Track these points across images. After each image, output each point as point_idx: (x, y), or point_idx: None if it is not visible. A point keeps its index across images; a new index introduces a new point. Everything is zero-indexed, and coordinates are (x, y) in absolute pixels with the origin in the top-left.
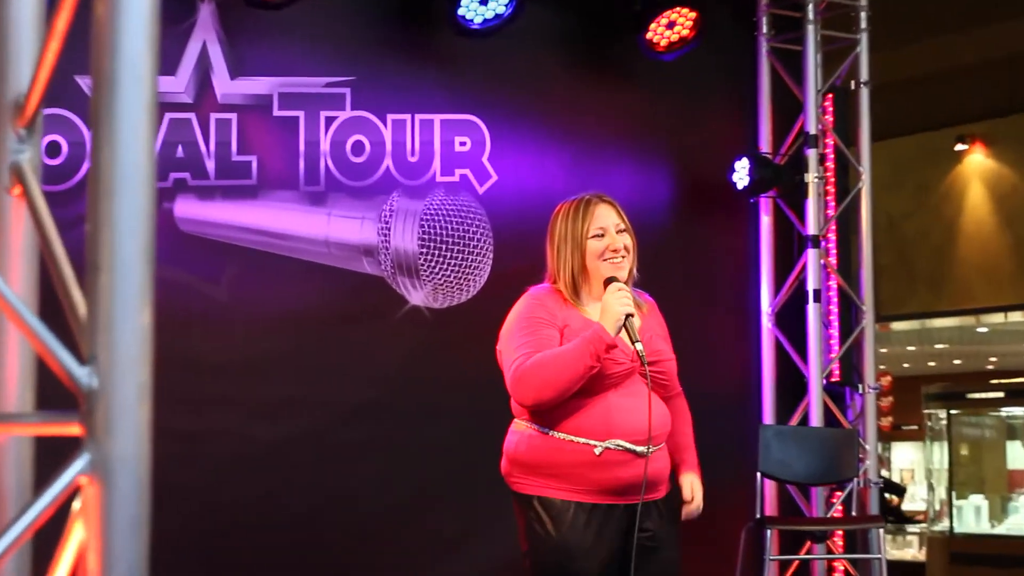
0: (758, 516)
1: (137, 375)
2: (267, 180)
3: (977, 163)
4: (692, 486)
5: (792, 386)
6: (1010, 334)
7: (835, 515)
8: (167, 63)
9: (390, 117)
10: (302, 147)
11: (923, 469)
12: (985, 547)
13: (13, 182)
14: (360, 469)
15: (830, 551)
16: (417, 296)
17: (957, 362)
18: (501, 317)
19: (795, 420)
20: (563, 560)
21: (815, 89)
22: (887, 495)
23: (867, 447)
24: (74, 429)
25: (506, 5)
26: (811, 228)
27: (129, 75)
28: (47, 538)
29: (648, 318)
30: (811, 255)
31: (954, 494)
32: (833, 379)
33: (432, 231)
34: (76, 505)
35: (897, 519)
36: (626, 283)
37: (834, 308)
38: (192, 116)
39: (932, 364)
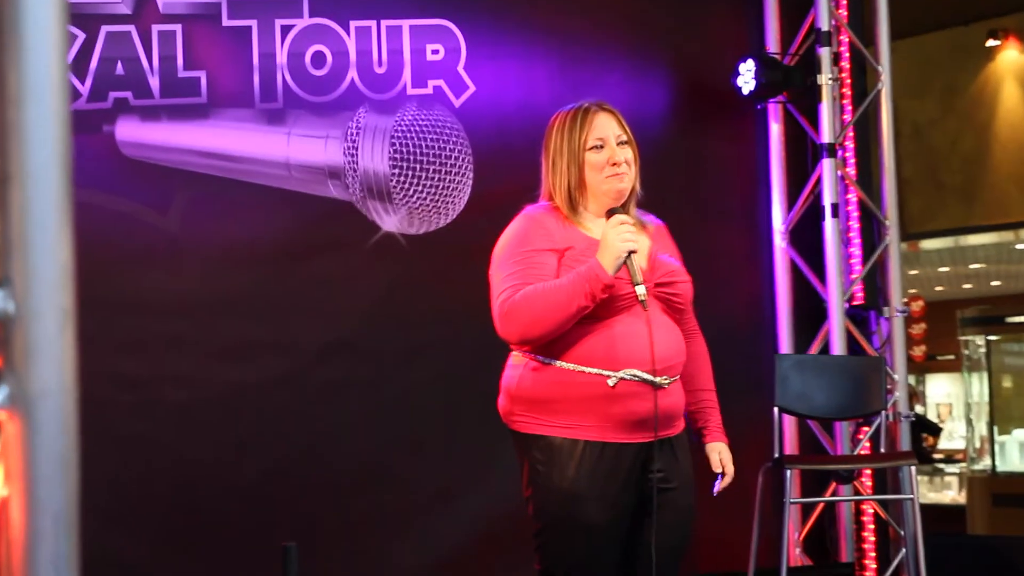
0: (776, 455)
1: (58, 298)
2: (218, 98)
3: (1011, 61)
4: (721, 456)
5: (810, 311)
6: None
7: (862, 452)
8: None
9: (353, 24)
10: (256, 60)
11: (961, 403)
12: None
13: None
14: (334, 415)
15: (857, 492)
16: (390, 222)
17: (995, 283)
18: (484, 242)
19: (815, 349)
20: (570, 506)
21: None
22: (921, 435)
23: (896, 376)
24: None
25: None
26: (826, 136)
27: None
28: None
29: (656, 239)
30: (827, 165)
31: (995, 430)
32: (855, 302)
33: (404, 149)
34: None
35: (932, 462)
36: (628, 200)
37: (854, 224)
38: (132, 28)
39: (968, 286)
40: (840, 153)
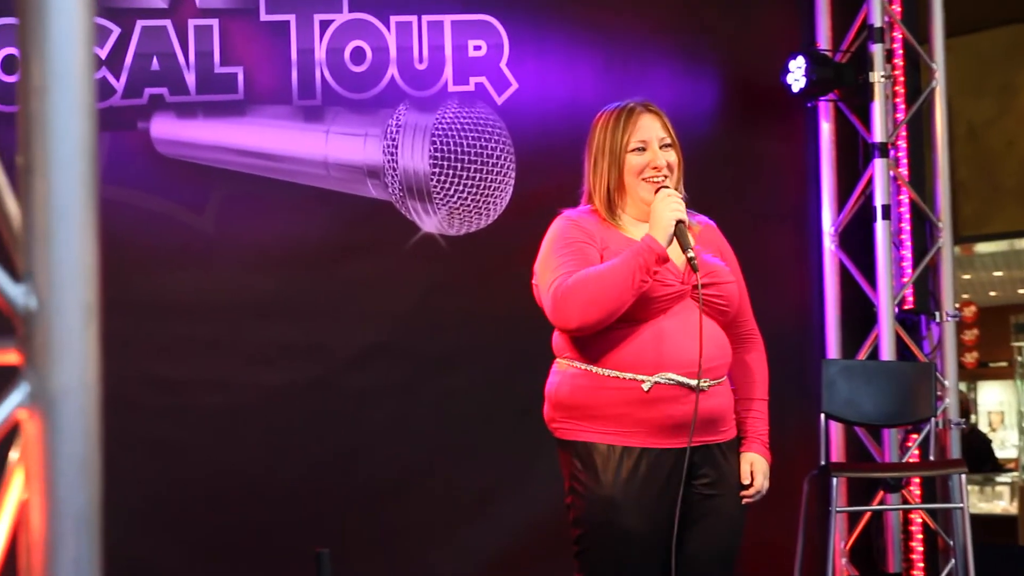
0: (823, 463)
1: (82, 293)
2: (255, 94)
3: None
4: (752, 467)
5: (859, 315)
6: None
7: (911, 460)
8: None
9: (394, 19)
10: (294, 56)
11: (1014, 412)
12: None
13: None
14: (370, 420)
15: (905, 501)
16: (430, 222)
17: None
18: (525, 244)
19: (863, 354)
20: (608, 513)
21: None
22: None
23: (946, 383)
24: (11, 357)
25: None
26: (878, 135)
27: None
28: None
29: (703, 239)
30: (878, 166)
31: None
32: (906, 307)
33: (445, 148)
34: (14, 454)
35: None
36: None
37: (906, 226)
38: (168, 23)
39: (1022, 291)
40: (892, 153)
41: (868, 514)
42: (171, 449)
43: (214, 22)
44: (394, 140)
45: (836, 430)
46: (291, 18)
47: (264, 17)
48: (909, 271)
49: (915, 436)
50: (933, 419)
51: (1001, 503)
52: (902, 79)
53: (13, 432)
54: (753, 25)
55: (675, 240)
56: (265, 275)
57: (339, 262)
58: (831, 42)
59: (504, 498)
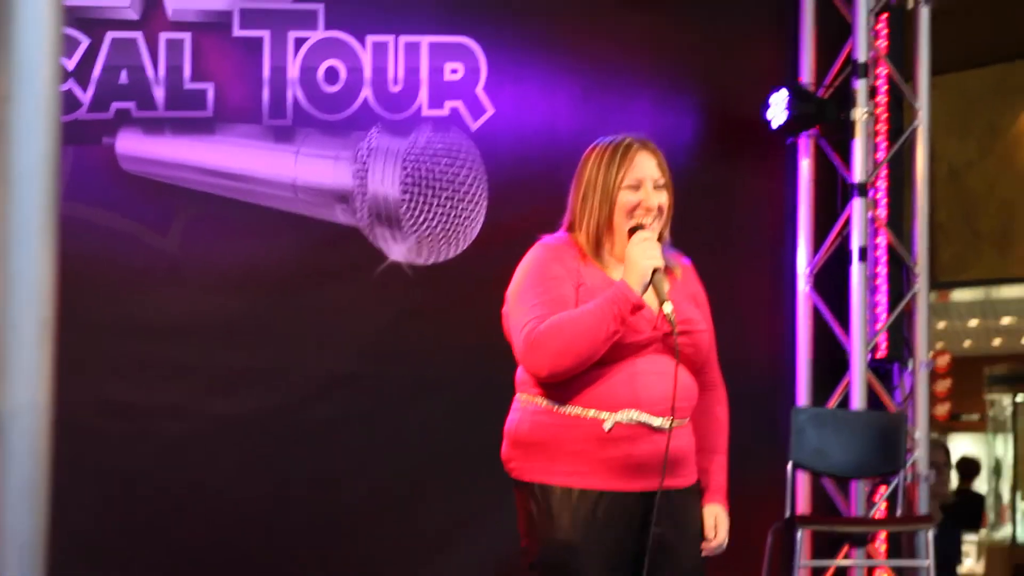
0: (788, 514)
1: (37, 310)
2: (225, 112)
3: None
4: (717, 520)
5: (831, 361)
6: None
7: (877, 515)
8: None
9: (370, 39)
10: (266, 73)
11: (984, 466)
12: None
13: None
14: (333, 451)
15: (871, 556)
16: (398, 250)
17: None
18: (495, 275)
19: (833, 402)
20: (564, 558)
21: (866, 9)
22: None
23: (917, 435)
24: None
25: None
26: (858, 174)
27: None
28: None
29: (681, 284)
30: (857, 206)
31: (1019, 495)
32: (879, 354)
33: (416, 174)
34: None
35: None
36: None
37: (882, 270)
38: (138, 36)
39: (997, 342)
40: (871, 193)
41: (832, 568)
42: (124, 477)
43: (186, 36)
44: (365, 164)
45: (803, 480)
46: (265, 34)
47: (237, 32)
48: (884, 316)
49: (883, 488)
50: (902, 472)
51: (968, 561)
52: (885, 117)
53: None
54: (736, 57)
55: (651, 286)
56: (229, 299)
57: (305, 288)
58: (814, 76)
59: (470, 533)
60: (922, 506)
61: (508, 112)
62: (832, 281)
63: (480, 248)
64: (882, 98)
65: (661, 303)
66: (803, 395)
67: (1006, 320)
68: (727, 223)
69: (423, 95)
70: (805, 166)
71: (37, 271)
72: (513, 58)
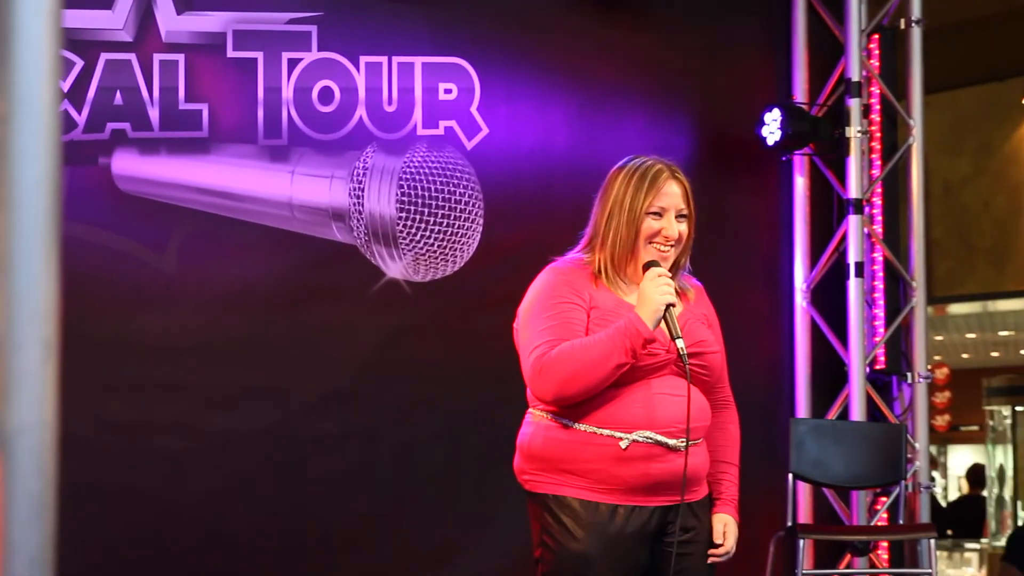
0: (789, 524)
1: (41, 329)
2: (220, 132)
3: None
4: (726, 527)
5: (830, 374)
6: None
7: (879, 524)
8: None
9: (363, 59)
10: (261, 94)
11: (984, 476)
12: None
13: None
14: (329, 468)
15: (873, 565)
16: (395, 268)
17: None
18: (492, 291)
19: (833, 413)
20: (579, 568)
21: (858, 29)
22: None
23: (916, 445)
24: None
25: None
26: (853, 191)
27: None
28: None
29: (693, 305)
30: (853, 222)
31: (1020, 504)
32: (877, 367)
33: (412, 192)
34: None
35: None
36: (670, 271)
37: (879, 284)
38: (132, 57)
39: (995, 354)
40: (867, 210)
41: None
42: (125, 492)
43: (180, 57)
44: (360, 183)
45: (804, 491)
46: (259, 55)
47: (231, 53)
48: (881, 330)
49: (884, 499)
50: (903, 482)
51: (969, 570)
52: (879, 135)
53: None
54: (729, 76)
55: (664, 321)
56: (225, 317)
57: (301, 306)
58: (808, 95)
59: (465, 551)
60: (923, 515)
61: (502, 131)
62: (829, 296)
63: (477, 265)
64: (876, 116)
65: (674, 339)
66: (802, 407)
67: (1003, 333)
68: (723, 241)
69: (417, 114)
70: (800, 183)
71: (40, 291)
72: (506, 78)
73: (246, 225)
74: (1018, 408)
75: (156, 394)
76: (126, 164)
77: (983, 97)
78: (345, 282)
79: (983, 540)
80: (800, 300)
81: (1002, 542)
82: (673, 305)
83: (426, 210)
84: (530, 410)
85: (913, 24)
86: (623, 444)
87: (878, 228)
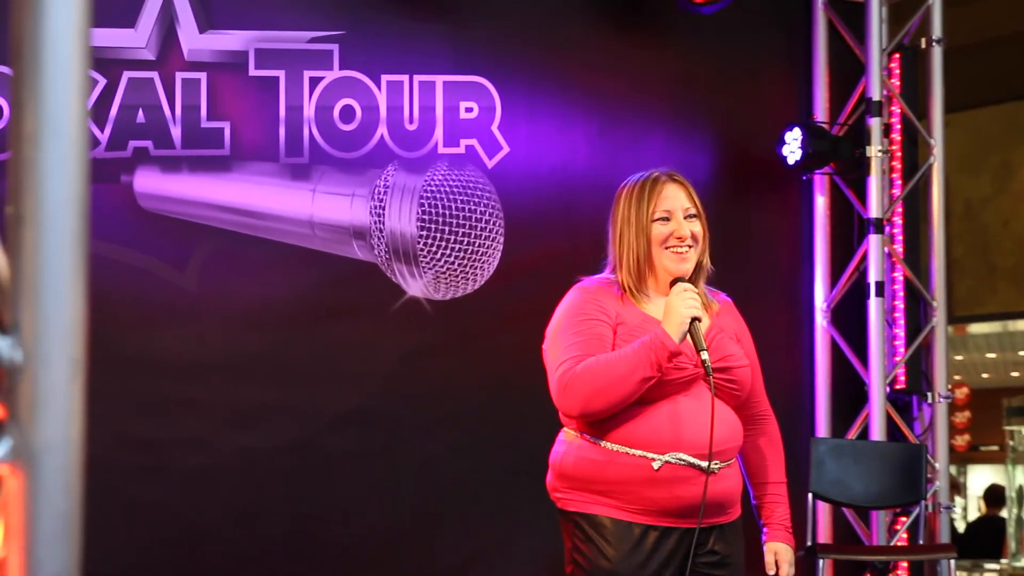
0: (809, 543)
1: (68, 347)
2: (242, 150)
3: None
4: (778, 556)
5: (850, 394)
6: None
7: (899, 544)
8: (125, 14)
9: (385, 78)
10: (282, 112)
11: (1002, 496)
12: None
13: None
14: (350, 485)
15: None
16: (416, 286)
17: None
18: (512, 309)
19: (853, 433)
20: None
21: (879, 48)
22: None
23: (937, 465)
24: None
25: None
26: (873, 210)
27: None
28: None
29: (720, 318)
30: (873, 242)
31: None
32: (898, 386)
33: (433, 211)
34: None
35: None
36: (694, 277)
37: (899, 304)
38: (155, 75)
39: (1015, 374)
40: (888, 229)
41: None
42: (146, 509)
43: (202, 75)
44: (381, 201)
45: (823, 510)
46: (281, 74)
47: (253, 72)
48: (902, 350)
49: (904, 519)
50: (922, 502)
51: None
52: (899, 154)
53: None
54: (750, 95)
55: (688, 335)
56: (247, 335)
57: (322, 323)
58: (828, 114)
59: (485, 569)
60: (943, 535)
61: (523, 150)
62: (850, 315)
63: (497, 283)
64: (896, 136)
65: (699, 351)
66: (822, 427)
67: None
68: (744, 259)
69: (439, 133)
70: (821, 203)
71: (68, 308)
72: (527, 96)
73: (267, 243)
74: None
75: (177, 411)
76: (148, 182)
77: (1004, 116)
78: (366, 300)
79: (1003, 560)
80: (820, 319)
81: (1023, 563)
82: (699, 319)
83: (447, 228)
84: (563, 429)
85: (934, 43)
86: (655, 465)
87: (898, 247)
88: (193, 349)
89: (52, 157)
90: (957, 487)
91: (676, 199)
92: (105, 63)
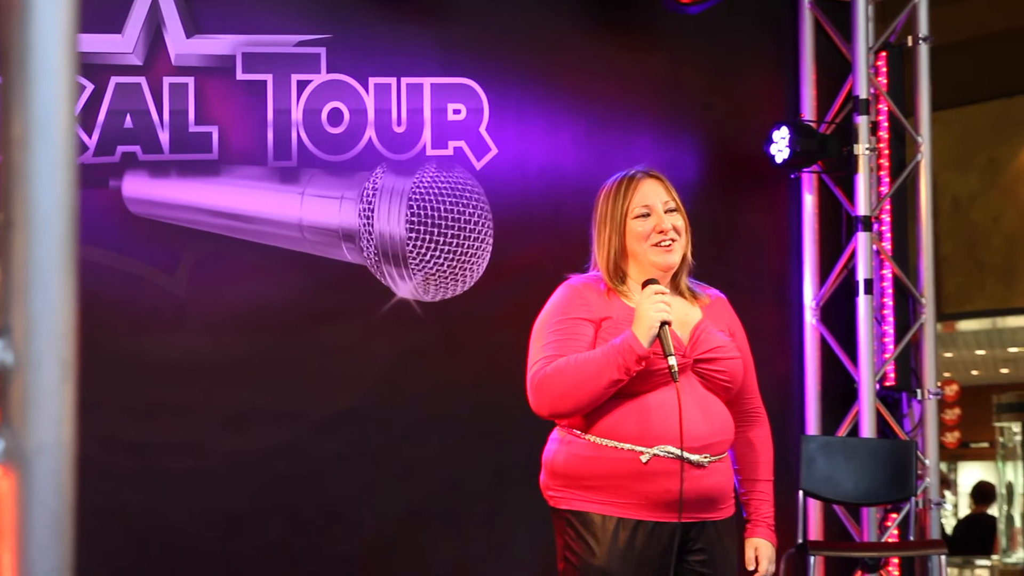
0: (800, 541)
1: (59, 350)
2: (230, 154)
3: None
4: (758, 552)
5: (840, 391)
6: None
7: (890, 540)
8: (112, 19)
9: (372, 81)
10: (270, 116)
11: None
12: None
13: None
14: (341, 488)
15: None
16: (405, 288)
17: None
18: (501, 311)
19: (843, 431)
20: None
21: (866, 46)
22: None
23: (927, 462)
24: None
25: None
26: (861, 208)
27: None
28: None
29: (711, 313)
30: (861, 239)
31: None
32: (887, 383)
33: (422, 212)
34: None
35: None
36: (679, 271)
37: (888, 301)
38: (142, 80)
39: (1005, 371)
40: (876, 227)
41: None
42: (137, 513)
43: (189, 80)
44: (370, 203)
45: (814, 508)
46: (268, 77)
47: (240, 76)
48: (891, 347)
49: (894, 515)
50: (913, 499)
51: None
52: (887, 152)
53: None
54: (737, 94)
55: (658, 339)
56: (236, 338)
57: (312, 326)
58: (816, 113)
59: (477, 571)
60: (934, 531)
61: (511, 151)
62: (839, 313)
63: (487, 285)
64: (883, 133)
65: (666, 356)
66: (812, 424)
67: (1013, 349)
68: (733, 258)
69: (427, 135)
70: (809, 201)
71: (58, 311)
72: (515, 98)
73: (256, 246)
74: None
75: (167, 415)
76: (136, 187)
77: (991, 113)
78: (355, 303)
79: (994, 556)
80: (809, 317)
81: (1013, 559)
82: (668, 323)
83: (436, 230)
84: (556, 427)
85: (920, 41)
86: (644, 458)
87: (887, 245)
88: (183, 353)
89: (41, 162)
90: (948, 484)
91: (654, 194)
92: (92, 68)
